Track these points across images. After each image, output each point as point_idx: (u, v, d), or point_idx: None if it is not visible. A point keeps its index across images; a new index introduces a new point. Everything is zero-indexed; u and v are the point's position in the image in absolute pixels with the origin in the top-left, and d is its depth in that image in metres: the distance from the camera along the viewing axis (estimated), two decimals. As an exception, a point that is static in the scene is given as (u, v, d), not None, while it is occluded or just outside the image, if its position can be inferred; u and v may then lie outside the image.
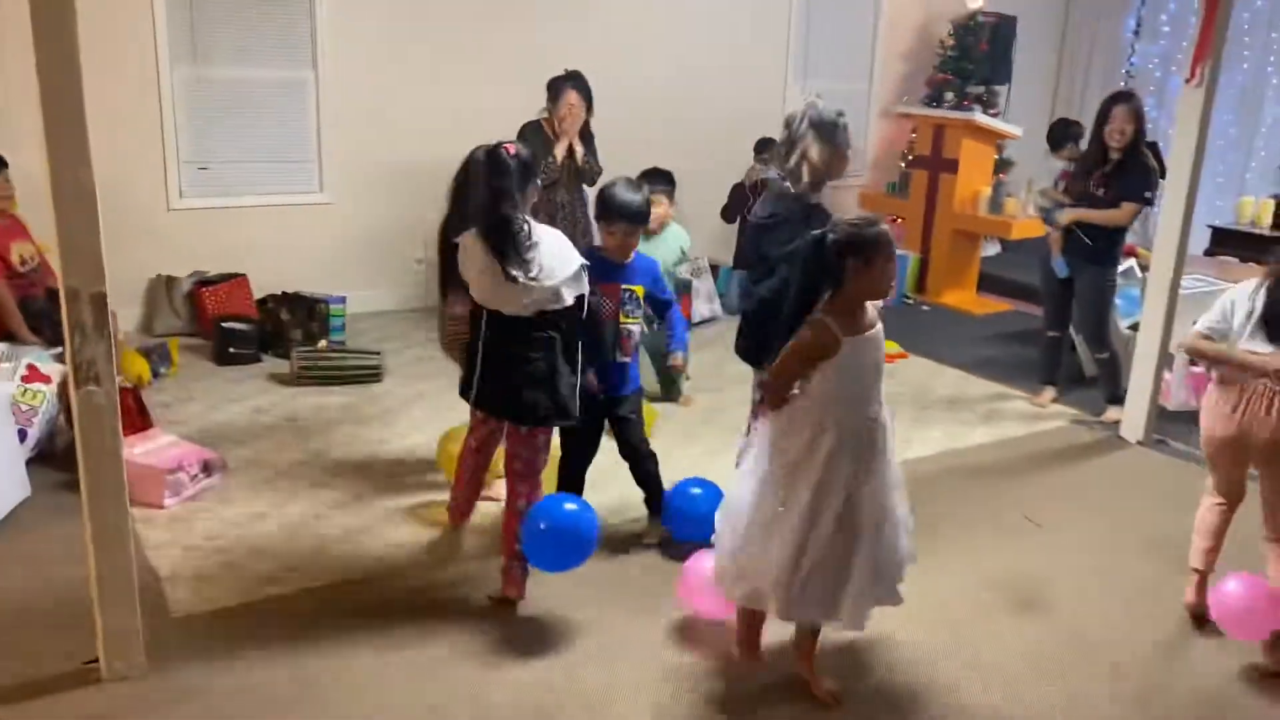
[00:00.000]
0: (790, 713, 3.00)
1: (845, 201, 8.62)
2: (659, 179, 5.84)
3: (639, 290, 3.77)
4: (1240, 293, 3.50)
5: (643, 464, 3.95)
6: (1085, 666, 3.30)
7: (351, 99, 6.59)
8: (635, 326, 3.79)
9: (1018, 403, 5.78)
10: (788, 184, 3.74)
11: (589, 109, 5.43)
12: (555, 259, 3.29)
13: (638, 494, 3.99)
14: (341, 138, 6.61)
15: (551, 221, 5.43)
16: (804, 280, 2.84)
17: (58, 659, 3.04)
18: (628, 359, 3.79)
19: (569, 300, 3.31)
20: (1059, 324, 5.69)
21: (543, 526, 3.25)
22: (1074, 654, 3.36)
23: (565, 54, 6.26)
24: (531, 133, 5.40)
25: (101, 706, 2.87)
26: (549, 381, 3.35)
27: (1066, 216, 5.33)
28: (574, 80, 5.38)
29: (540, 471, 3.50)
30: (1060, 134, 6.64)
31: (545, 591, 3.50)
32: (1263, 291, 3.38)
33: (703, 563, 3.27)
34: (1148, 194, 5.26)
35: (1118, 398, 5.44)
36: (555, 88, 5.40)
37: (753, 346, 3.78)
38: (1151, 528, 4.26)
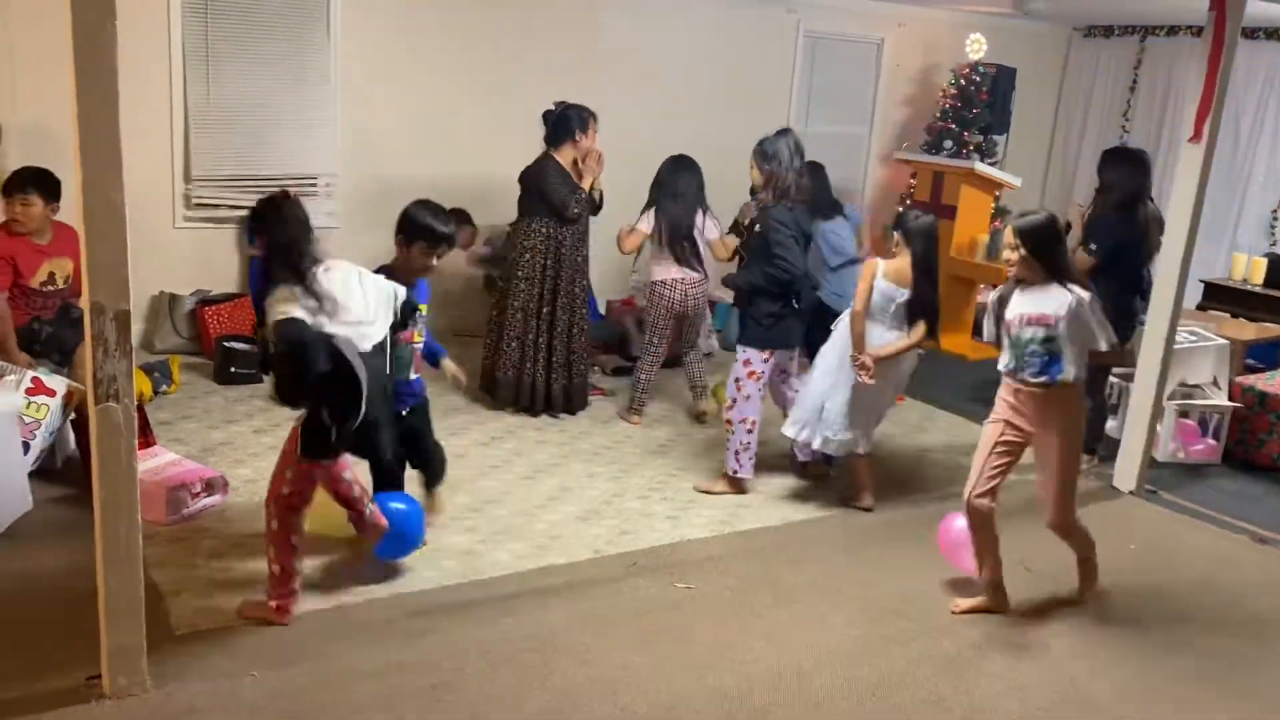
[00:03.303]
0: None
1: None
2: None
3: (423, 309, 3.97)
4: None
5: (436, 461, 4.15)
6: (1072, 714, 3.33)
7: (362, 124, 6.65)
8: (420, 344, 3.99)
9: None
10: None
11: None
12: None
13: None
14: (350, 161, 6.66)
15: (559, 251, 5.49)
16: None
17: (60, 673, 3.05)
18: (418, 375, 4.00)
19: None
20: None
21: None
22: (1069, 705, 3.39)
23: (565, 86, 6.36)
24: (556, 170, 5.48)
25: (104, 722, 2.88)
26: None
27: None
28: (593, 114, 5.47)
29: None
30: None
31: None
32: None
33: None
34: (1092, 245, 5.27)
35: (1093, 448, 5.51)
36: (582, 120, 5.47)
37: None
38: (1143, 577, 4.30)
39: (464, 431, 5.31)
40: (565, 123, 5.47)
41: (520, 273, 5.53)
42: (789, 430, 4.76)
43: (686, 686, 3.28)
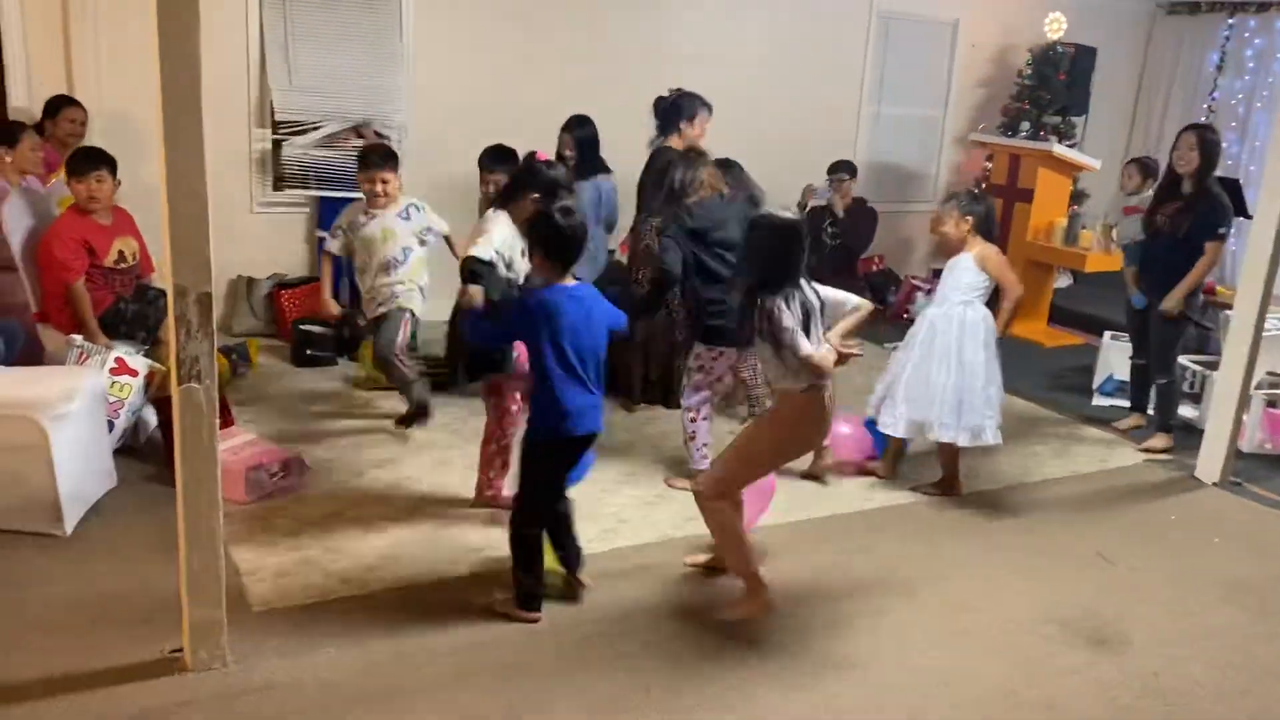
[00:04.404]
0: None
1: (917, 227, 8.61)
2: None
3: None
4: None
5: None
6: (1162, 712, 3.25)
7: (436, 107, 6.69)
8: None
9: (1089, 437, 5.71)
10: None
11: None
12: None
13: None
14: (421, 147, 6.71)
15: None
16: None
17: (143, 647, 3.13)
18: None
19: None
20: (1143, 351, 5.71)
21: None
22: (1149, 698, 3.31)
23: (632, 69, 6.33)
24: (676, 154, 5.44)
25: (186, 694, 2.95)
26: None
27: (1170, 304, 5.32)
28: (705, 104, 5.39)
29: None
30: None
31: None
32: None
33: None
34: (1221, 230, 5.23)
35: (1168, 426, 5.51)
36: (690, 109, 5.32)
37: None
38: (1228, 572, 4.18)
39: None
40: (674, 111, 5.35)
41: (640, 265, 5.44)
42: (902, 431, 4.67)
43: (755, 671, 3.26)
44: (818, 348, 3.39)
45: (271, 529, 3.98)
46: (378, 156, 4.93)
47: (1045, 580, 4.01)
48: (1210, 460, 5.14)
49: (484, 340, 3.81)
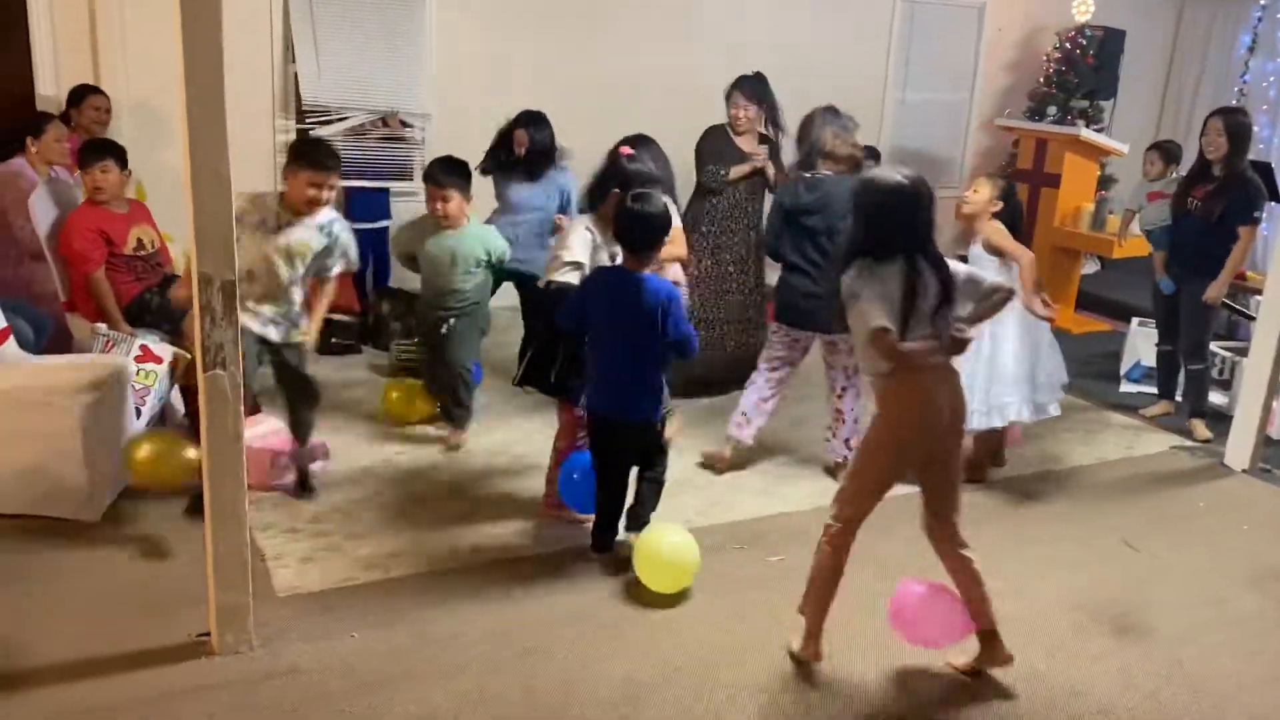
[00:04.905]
0: None
1: (942, 212, 8.53)
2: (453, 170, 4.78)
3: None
4: None
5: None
6: (1184, 699, 3.22)
7: (462, 92, 6.69)
8: None
9: (1116, 424, 5.66)
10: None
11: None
12: None
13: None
14: (448, 133, 6.71)
15: (730, 218, 5.47)
16: None
17: (171, 630, 3.17)
18: None
19: None
20: (1170, 337, 5.66)
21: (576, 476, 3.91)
22: (1174, 686, 3.29)
23: (657, 55, 6.28)
24: (713, 137, 5.47)
25: (213, 677, 2.99)
26: None
27: (1214, 293, 5.27)
28: (736, 86, 5.40)
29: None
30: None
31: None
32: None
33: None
34: (1256, 214, 5.18)
35: (1202, 411, 5.48)
36: (728, 93, 5.40)
37: None
38: (1256, 560, 4.14)
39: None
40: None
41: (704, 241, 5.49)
42: (1025, 414, 4.55)
43: (779, 661, 3.26)
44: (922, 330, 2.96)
45: (296, 515, 4.01)
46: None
47: (1072, 566, 3.99)
48: (1239, 447, 5.08)
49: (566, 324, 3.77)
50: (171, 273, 4.96)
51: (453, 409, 4.82)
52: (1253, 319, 6.06)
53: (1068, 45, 8.22)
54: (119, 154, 4.76)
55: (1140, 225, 6.35)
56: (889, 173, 3.06)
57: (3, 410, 3.80)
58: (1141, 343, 6.27)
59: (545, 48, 6.90)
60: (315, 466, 4.34)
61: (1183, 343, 5.53)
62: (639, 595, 3.58)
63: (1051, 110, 8.21)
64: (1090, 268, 8.63)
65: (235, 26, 2.92)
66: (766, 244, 4.74)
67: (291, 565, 3.65)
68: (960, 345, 3.02)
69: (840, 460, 4.60)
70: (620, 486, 3.81)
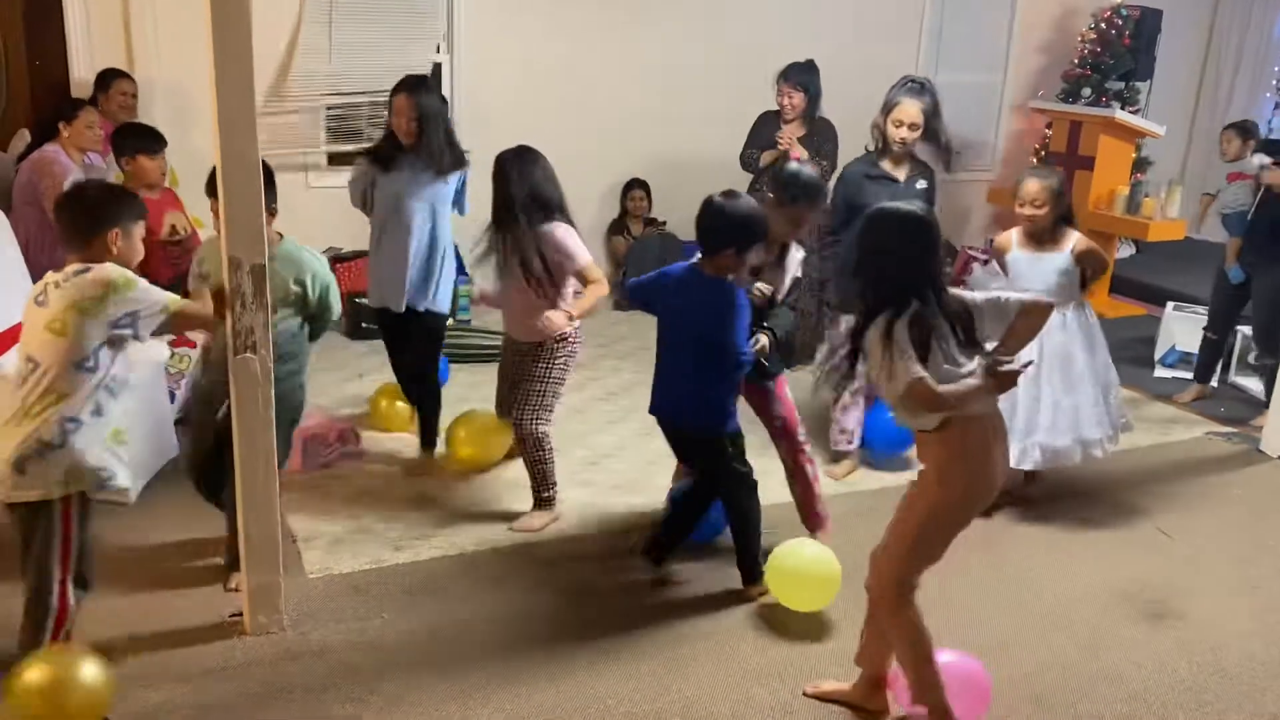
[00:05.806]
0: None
1: (974, 196, 8.46)
2: None
3: None
4: None
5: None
6: (1217, 685, 3.19)
7: (485, 84, 6.69)
8: None
9: (1151, 410, 5.59)
10: None
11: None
12: None
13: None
14: (471, 121, 6.72)
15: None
16: None
17: (204, 610, 3.22)
18: None
19: None
20: (1223, 328, 5.59)
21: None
22: (1207, 673, 3.25)
23: (683, 39, 6.23)
24: (762, 120, 5.53)
25: (245, 656, 3.03)
26: None
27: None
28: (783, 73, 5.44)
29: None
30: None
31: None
32: None
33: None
34: None
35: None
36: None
37: None
38: (1293, 547, 4.09)
39: (581, 388, 5.35)
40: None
41: None
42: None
43: (806, 646, 3.26)
44: (964, 367, 2.67)
45: (328, 498, 4.05)
46: None
47: (1105, 554, 3.95)
48: (1276, 433, 5.01)
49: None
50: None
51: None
52: None
53: (1103, 25, 8.09)
54: (157, 141, 4.79)
55: (1217, 208, 6.15)
56: (900, 206, 2.83)
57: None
58: (1176, 327, 6.18)
59: (572, 39, 6.89)
60: (345, 450, 4.37)
61: (1256, 331, 5.44)
62: (667, 576, 3.58)
63: (1086, 92, 8.10)
64: (1125, 251, 8.52)
65: (261, 16, 2.92)
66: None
67: (322, 547, 3.68)
68: (1008, 379, 2.64)
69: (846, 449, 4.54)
70: (691, 504, 3.59)
